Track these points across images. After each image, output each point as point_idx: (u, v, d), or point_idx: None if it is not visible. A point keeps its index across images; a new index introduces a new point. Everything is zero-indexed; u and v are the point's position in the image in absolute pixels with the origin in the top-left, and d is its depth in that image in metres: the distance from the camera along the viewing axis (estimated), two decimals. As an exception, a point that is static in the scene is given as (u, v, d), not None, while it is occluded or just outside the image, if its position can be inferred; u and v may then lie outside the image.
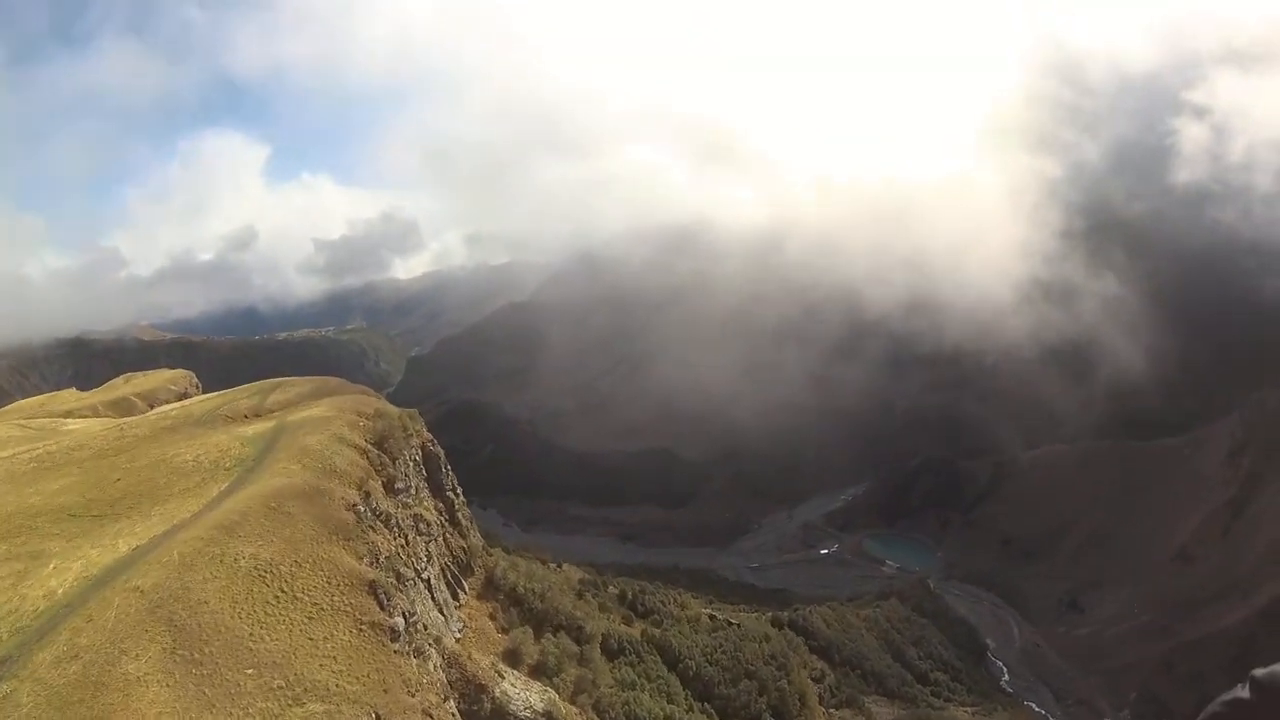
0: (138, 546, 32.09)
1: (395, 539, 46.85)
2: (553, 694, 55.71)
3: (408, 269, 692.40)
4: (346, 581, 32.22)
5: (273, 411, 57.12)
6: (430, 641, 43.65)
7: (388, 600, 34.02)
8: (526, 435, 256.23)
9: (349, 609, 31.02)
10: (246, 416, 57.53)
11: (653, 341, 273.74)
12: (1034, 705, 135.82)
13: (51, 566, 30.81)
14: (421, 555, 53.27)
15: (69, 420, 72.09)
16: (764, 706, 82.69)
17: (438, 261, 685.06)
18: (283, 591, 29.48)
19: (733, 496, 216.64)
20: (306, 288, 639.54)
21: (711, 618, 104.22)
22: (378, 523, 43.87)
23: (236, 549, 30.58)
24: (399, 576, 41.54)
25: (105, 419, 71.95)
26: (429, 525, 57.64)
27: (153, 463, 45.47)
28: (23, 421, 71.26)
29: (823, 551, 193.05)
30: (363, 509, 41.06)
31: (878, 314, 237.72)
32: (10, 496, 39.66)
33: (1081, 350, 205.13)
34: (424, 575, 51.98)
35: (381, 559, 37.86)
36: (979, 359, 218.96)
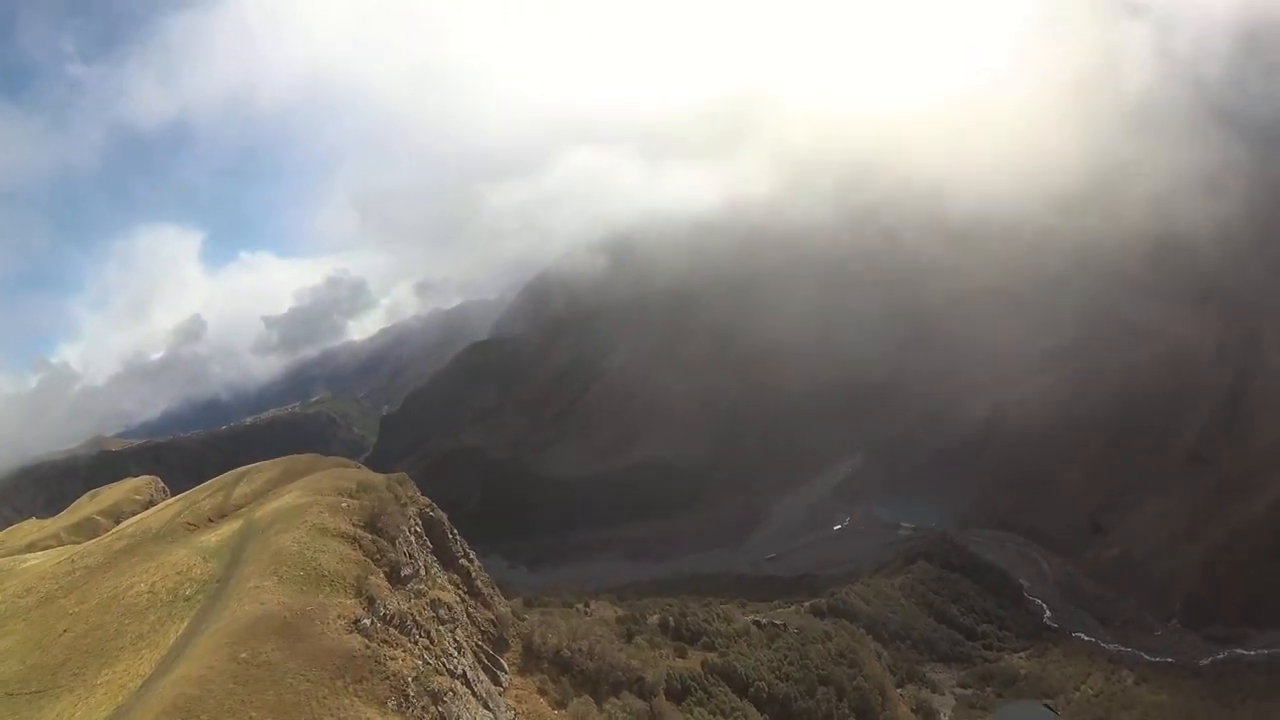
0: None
1: (417, 644, 36.00)
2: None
3: (362, 329, 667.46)
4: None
5: (239, 508, 45.82)
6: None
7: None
8: (513, 473, 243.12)
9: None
10: (210, 520, 46.10)
11: (621, 352, 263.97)
12: (1083, 635, 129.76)
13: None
14: (450, 649, 42.38)
15: (29, 556, 59.70)
16: (847, 709, 73.62)
17: (391, 316, 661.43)
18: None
19: (734, 492, 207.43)
20: (264, 368, 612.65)
21: (758, 624, 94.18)
22: (391, 631, 33.08)
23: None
24: (434, 696, 30.85)
25: (67, 547, 59.73)
26: (450, 608, 46.71)
27: (104, 602, 34.23)
28: None
29: (836, 527, 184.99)
30: (369, 621, 30.35)
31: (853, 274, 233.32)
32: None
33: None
34: (459, 673, 41.05)
35: (410, 685, 27.13)
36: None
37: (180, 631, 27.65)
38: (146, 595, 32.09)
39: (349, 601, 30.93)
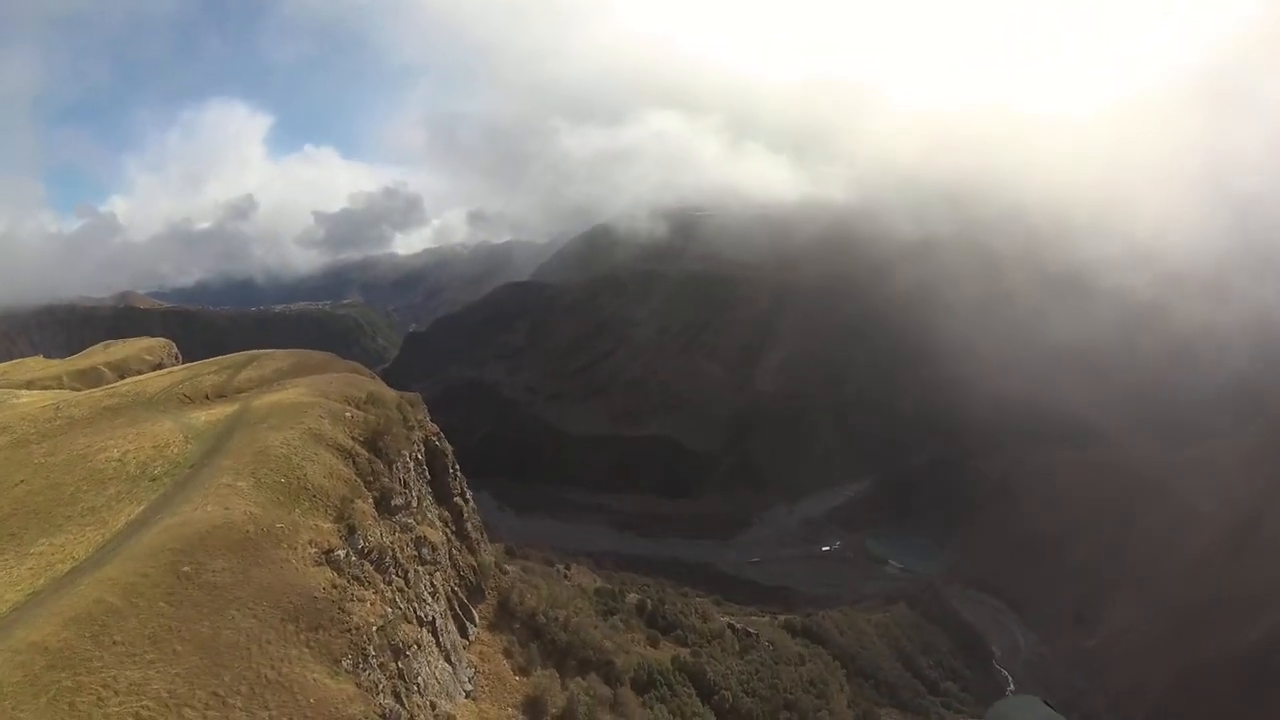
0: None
1: (391, 584, 32.10)
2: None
3: (408, 245, 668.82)
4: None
5: (240, 391, 42.13)
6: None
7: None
8: (523, 418, 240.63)
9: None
10: (208, 397, 42.54)
11: (655, 324, 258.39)
12: None
13: None
14: (425, 594, 38.62)
15: (24, 393, 57.12)
16: (804, 741, 69.55)
17: (439, 238, 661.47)
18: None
19: (733, 488, 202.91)
20: (305, 260, 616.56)
21: (733, 628, 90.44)
22: (366, 566, 29.08)
23: (95, 681, 15.90)
24: (396, 651, 26.95)
25: (63, 391, 57.06)
26: (435, 549, 42.94)
27: (71, 459, 30.80)
28: None
29: (824, 549, 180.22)
30: (343, 553, 26.30)
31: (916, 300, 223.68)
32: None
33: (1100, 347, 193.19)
34: (428, 619, 37.30)
35: (373, 638, 23.06)
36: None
37: (132, 517, 23.90)
38: (115, 463, 28.50)
39: (326, 525, 26.92)
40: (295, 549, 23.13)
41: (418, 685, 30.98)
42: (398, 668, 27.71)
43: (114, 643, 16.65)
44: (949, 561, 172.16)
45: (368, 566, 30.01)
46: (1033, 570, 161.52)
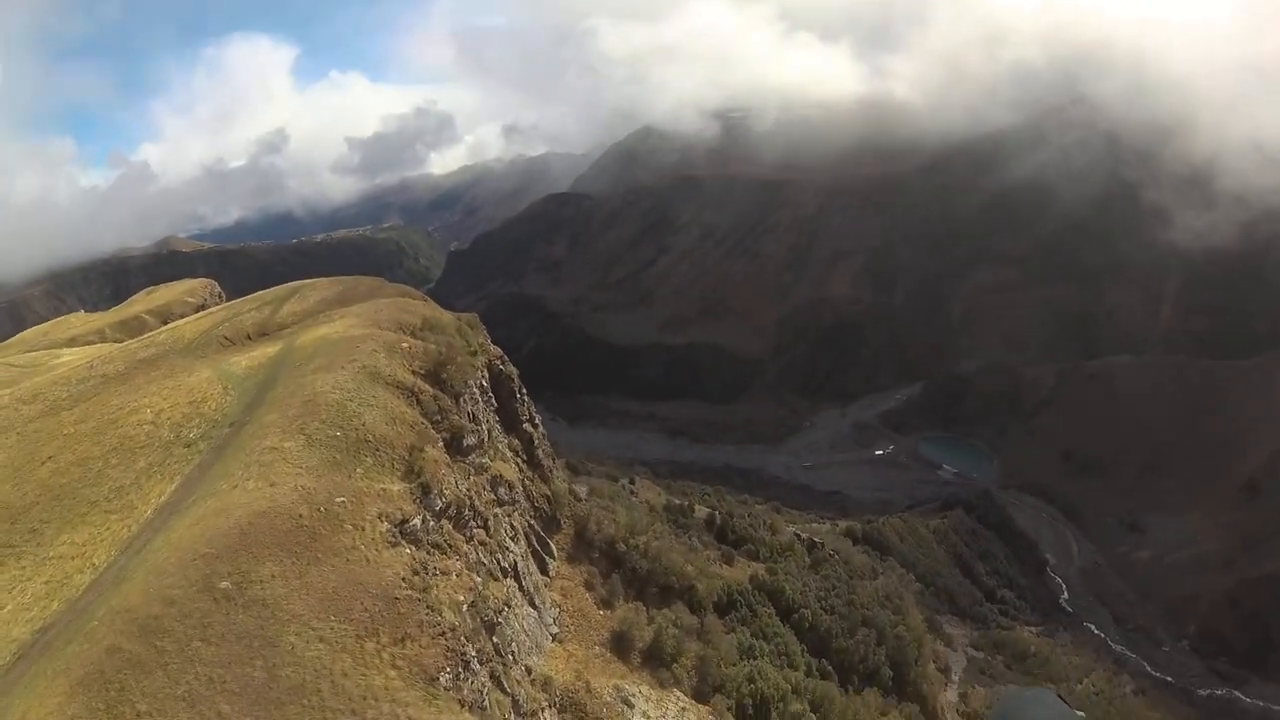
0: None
1: (473, 539, 27.22)
2: (692, 712, 38.37)
3: (443, 164, 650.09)
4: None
5: (284, 328, 36.79)
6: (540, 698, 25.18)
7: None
8: (569, 329, 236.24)
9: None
10: (249, 337, 37.44)
11: (697, 230, 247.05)
12: (1093, 627, 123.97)
13: None
14: (506, 538, 34.01)
15: (65, 352, 53.15)
16: (882, 657, 66.53)
17: (474, 155, 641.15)
18: None
19: (782, 393, 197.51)
20: (341, 189, 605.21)
21: (799, 538, 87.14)
22: (444, 527, 24.00)
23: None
24: (489, 626, 22.28)
25: (105, 345, 53.01)
26: (511, 487, 38.24)
27: (101, 425, 26.33)
28: (12, 361, 52.43)
29: (878, 452, 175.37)
30: (419, 520, 21.06)
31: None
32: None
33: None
34: (510, 566, 32.86)
35: (466, 621, 18.07)
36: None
37: (163, 498, 19.05)
38: (148, 427, 23.76)
39: (395, 487, 21.67)
40: (362, 529, 17.99)
41: (512, 653, 26.71)
42: (493, 646, 23.09)
43: (137, 716, 11.69)
44: (1002, 467, 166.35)
45: (447, 527, 25.10)
46: (1086, 479, 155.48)
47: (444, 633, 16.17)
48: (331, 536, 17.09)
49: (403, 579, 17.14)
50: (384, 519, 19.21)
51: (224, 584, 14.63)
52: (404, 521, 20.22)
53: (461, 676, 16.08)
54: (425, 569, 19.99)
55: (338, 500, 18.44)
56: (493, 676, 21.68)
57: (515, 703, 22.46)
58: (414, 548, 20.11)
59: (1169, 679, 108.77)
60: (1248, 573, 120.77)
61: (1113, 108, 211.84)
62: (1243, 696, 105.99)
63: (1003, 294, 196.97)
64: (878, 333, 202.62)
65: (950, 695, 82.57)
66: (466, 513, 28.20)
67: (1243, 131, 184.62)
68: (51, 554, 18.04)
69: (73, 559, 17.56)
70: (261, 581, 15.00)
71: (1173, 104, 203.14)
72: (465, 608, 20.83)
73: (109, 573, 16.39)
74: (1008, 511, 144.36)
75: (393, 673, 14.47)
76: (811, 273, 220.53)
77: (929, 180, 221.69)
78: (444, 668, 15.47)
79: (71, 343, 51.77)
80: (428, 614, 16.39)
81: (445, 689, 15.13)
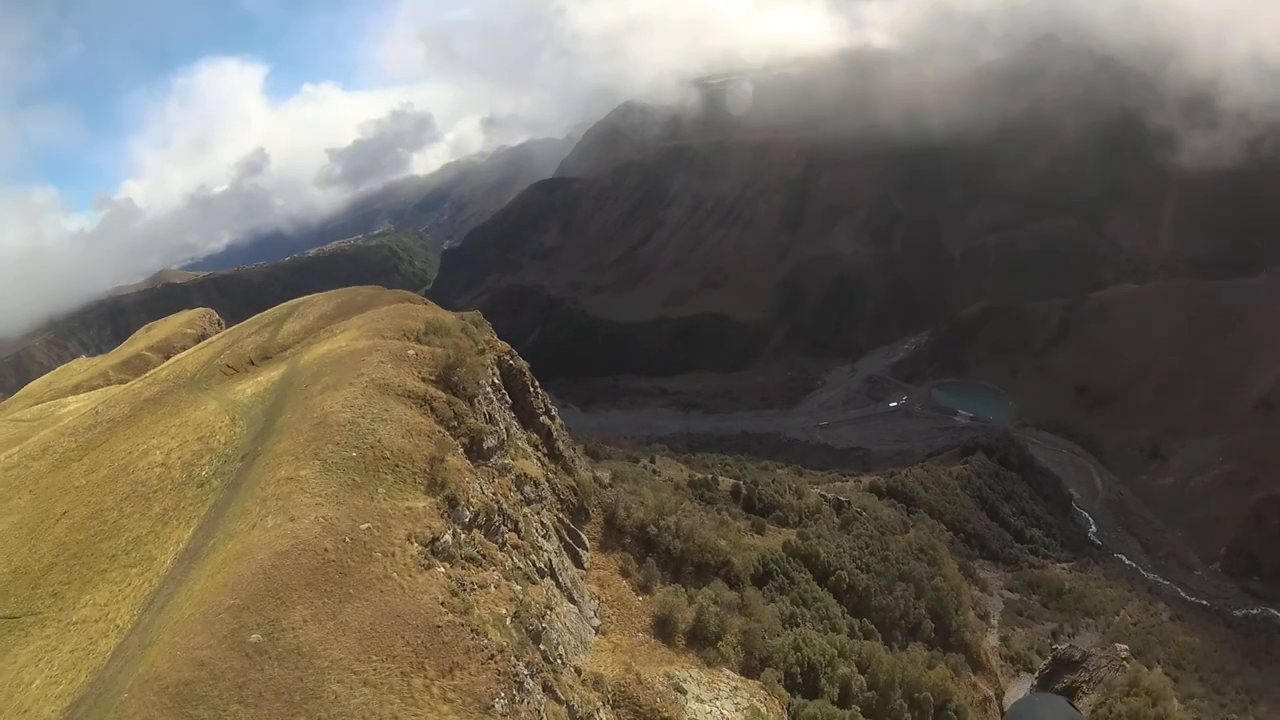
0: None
1: (506, 545, 26.25)
2: (743, 689, 37.67)
3: (426, 164, 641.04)
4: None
5: (286, 348, 35.58)
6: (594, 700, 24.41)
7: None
8: (571, 314, 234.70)
9: None
10: (252, 362, 36.17)
11: (687, 201, 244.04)
12: (1124, 558, 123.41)
13: None
14: (538, 537, 33.06)
15: (70, 399, 51.95)
16: (922, 611, 65.94)
17: (456, 152, 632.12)
18: None
19: (791, 355, 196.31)
20: (328, 201, 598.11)
21: (825, 499, 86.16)
22: (476, 537, 23.02)
23: None
24: (535, 635, 21.37)
25: (109, 389, 51.90)
26: (536, 484, 37.16)
27: (113, 473, 25.32)
28: (19, 416, 51.28)
29: (891, 405, 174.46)
30: (450, 535, 20.02)
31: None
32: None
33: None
34: (546, 566, 31.97)
35: (511, 636, 17.08)
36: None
37: (181, 546, 18.03)
38: (159, 469, 22.70)
39: (421, 504, 20.58)
40: (392, 555, 16.92)
41: (560, 656, 25.82)
42: (541, 654, 22.13)
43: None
44: (1017, 407, 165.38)
45: (478, 537, 24.03)
46: (1102, 411, 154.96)
47: (493, 656, 15.13)
48: (361, 568, 16.04)
49: (441, 603, 16.08)
50: (413, 540, 18.15)
51: (254, 636, 13.59)
52: (434, 539, 19.16)
53: (517, 699, 15.07)
54: (463, 586, 18.97)
55: (363, 527, 17.36)
56: (545, 688, 20.74)
57: (570, 709, 21.58)
58: (448, 565, 19.06)
59: (1204, 602, 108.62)
60: (1271, 489, 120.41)
61: (1106, 31, 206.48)
62: (1277, 614, 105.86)
63: (1001, 232, 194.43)
64: (880, 284, 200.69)
65: (992, 639, 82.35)
66: (496, 518, 27.21)
67: (1242, 48, 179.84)
68: (75, 618, 17.08)
69: (96, 622, 16.60)
70: (294, 629, 13.96)
71: (1169, 23, 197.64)
72: (509, 620, 19.85)
73: (133, 636, 15.40)
74: (1028, 451, 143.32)
75: (445, 708, 13.45)
76: (807, 231, 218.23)
77: (912, 124, 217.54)
78: (498, 694, 14.44)
79: (76, 389, 50.65)
80: (473, 638, 15.33)
81: (502, 716, 14.11)
